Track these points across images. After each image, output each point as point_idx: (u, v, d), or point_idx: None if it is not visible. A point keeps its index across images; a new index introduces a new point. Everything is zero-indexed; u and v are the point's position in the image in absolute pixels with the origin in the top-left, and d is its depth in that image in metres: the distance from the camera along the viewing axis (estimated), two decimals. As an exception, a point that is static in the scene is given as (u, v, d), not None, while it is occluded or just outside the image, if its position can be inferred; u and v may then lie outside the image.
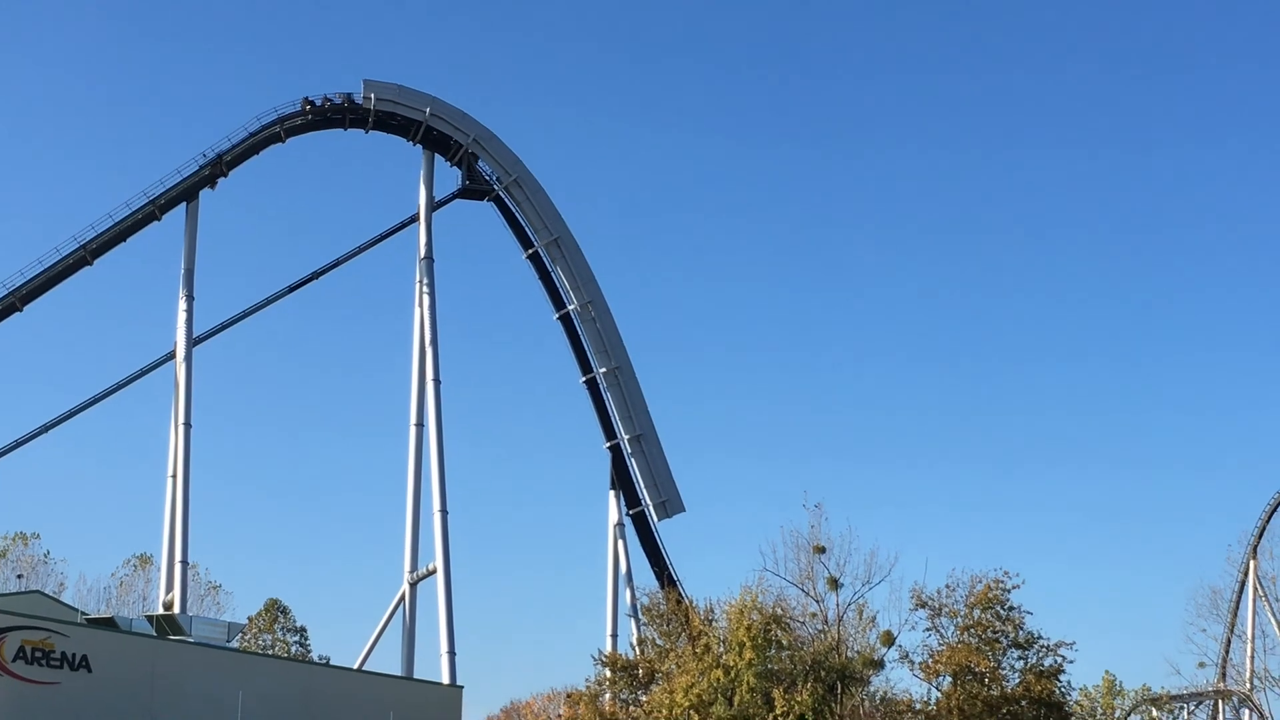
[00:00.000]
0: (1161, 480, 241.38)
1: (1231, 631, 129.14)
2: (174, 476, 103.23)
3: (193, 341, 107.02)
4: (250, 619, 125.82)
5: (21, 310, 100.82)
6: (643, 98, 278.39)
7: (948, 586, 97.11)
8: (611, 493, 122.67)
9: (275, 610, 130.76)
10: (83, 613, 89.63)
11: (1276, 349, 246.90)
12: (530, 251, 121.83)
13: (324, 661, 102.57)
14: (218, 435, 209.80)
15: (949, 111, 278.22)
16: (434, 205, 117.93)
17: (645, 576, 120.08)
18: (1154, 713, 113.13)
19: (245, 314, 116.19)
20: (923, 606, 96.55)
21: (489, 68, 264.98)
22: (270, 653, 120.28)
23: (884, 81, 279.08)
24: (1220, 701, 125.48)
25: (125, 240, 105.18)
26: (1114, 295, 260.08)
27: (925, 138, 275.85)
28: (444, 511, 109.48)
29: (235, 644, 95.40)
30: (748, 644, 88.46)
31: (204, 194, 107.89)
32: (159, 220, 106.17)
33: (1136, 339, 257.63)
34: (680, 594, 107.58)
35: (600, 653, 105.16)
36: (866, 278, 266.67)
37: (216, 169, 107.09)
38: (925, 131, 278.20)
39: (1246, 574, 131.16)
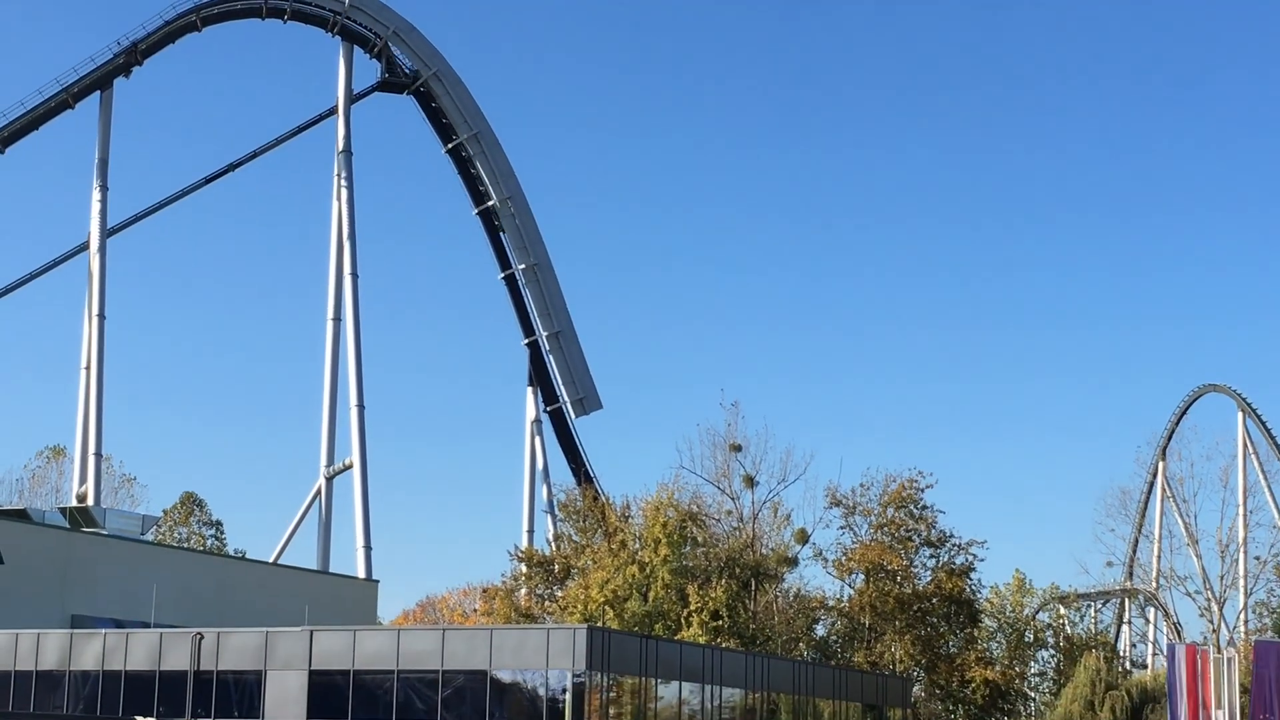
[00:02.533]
0: (1074, 382, 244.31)
1: (1139, 532, 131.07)
2: (87, 368, 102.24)
3: (107, 232, 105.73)
4: (165, 512, 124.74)
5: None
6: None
7: (862, 485, 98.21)
8: (529, 389, 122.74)
9: (191, 503, 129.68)
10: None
11: (1189, 254, 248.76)
12: (450, 146, 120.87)
13: (239, 555, 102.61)
14: (133, 327, 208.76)
15: None
16: (353, 98, 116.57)
17: (562, 473, 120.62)
18: (1061, 611, 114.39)
19: (161, 205, 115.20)
20: (837, 505, 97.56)
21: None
22: (185, 546, 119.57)
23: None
24: (1127, 600, 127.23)
25: (38, 129, 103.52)
26: (1025, 196, 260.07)
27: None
28: (361, 406, 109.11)
29: (150, 537, 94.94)
30: (663, 541, 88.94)
31: (118, 83, 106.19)
32: (72, 109, 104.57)
33: (1048, 242, 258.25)
34: (597, 491, 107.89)
35: (516, 548, 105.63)
36: (786, 174, 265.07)
37: (131, 57, 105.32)
38: None
39: (1155, 475, 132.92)
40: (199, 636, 65.57)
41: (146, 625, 70.39)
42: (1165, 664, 67.57)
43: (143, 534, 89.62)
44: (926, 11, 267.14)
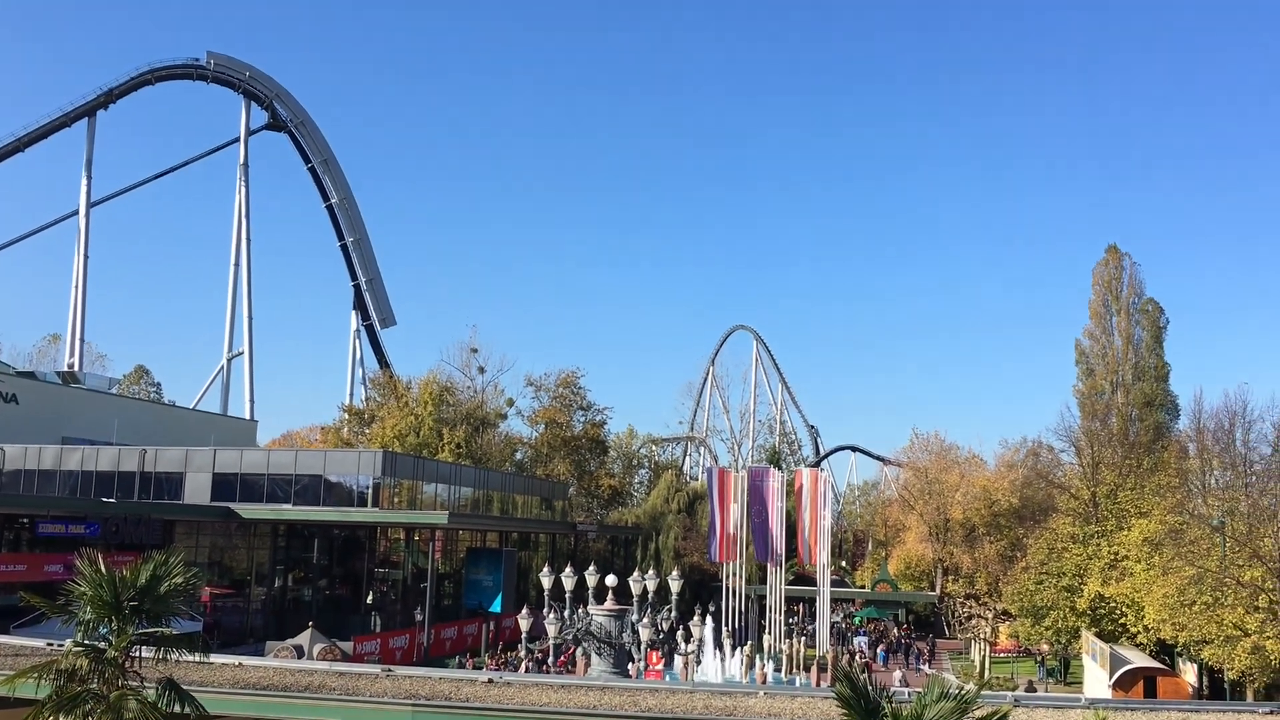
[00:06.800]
0: (672, 316, 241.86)
1: (697, 404, 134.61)
2: (76, 286, 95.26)
3: (91, 204, 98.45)
4: (124, 376, 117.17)
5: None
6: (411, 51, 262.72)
7: (545, 374, 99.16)
8: (353, 311, 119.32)
9: (141, 371, 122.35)
10: (13, 368, 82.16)
11: (722, 204, 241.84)
12: (309, 165, 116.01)
13: (171, 403, 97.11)
14: (111, 263, 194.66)
15: None
16: (250, 132, 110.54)
17: (371, 361, 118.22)
18: (653, 447, 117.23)
19: (128, 189, 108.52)
20: (531, 385, 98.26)
21: (293, 40, 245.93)
22: (137, 397, 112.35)
23: None
24: (689, 443, 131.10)
25: (48, 137, 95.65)
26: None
27: None
28: (250, 317, 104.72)
29: (115, 390, 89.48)
30: (429, 402, 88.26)
31: (100, 113, 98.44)
32: (69, 127, 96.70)
33: (671, 205, 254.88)
34: (392, 373, 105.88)
35: (343, 405, 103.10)
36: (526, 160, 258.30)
37: (109, 97, 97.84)
38: None
39: (708, 374, 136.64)
40: (144, 451, 62.66)
41: (110, 444, 66.51)
42: (706, 478, 69.51)
43: (110, 389, 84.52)
44: None
